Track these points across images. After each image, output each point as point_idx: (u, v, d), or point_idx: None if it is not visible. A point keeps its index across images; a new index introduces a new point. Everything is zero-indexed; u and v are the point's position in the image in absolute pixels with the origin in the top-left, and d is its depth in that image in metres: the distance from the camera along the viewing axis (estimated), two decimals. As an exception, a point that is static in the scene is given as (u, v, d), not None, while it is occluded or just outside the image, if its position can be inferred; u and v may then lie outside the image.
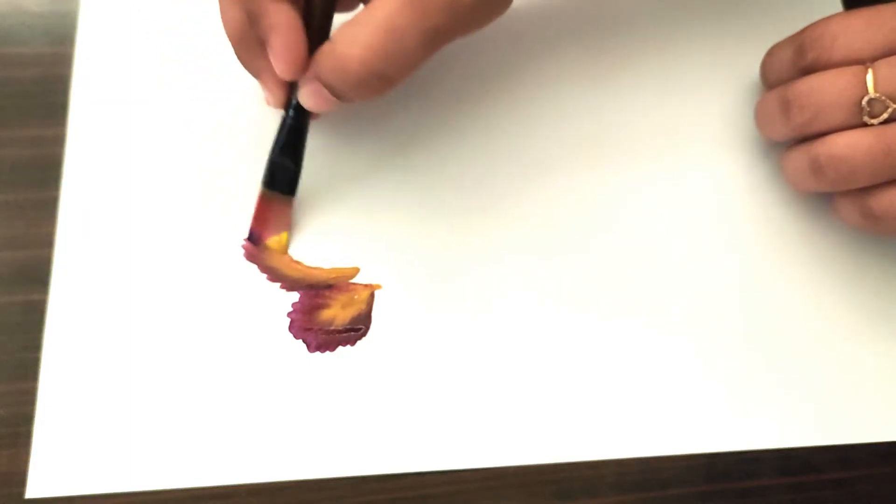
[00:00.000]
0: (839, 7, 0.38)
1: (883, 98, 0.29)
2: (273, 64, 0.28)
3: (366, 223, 0.33)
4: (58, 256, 0.31)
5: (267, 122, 0.34)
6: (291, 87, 0.30)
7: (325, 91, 0.28)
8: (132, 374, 0.30)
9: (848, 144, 0.29)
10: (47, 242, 0.31)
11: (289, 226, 0.32)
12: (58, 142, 0.33)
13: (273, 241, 0.32)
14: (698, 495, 0.31)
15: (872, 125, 0.29)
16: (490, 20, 0.29)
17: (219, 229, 0.32)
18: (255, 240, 0.32)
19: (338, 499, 0.29)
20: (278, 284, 0.32)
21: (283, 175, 0.31)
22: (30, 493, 0.28)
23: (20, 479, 0.28)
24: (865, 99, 0.29)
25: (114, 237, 0.32)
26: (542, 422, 0.31)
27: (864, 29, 0.30)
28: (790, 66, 0.32)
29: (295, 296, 0.31)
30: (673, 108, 0.36)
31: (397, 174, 0.34)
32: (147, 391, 0.30)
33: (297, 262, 0.32)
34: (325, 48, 0.28)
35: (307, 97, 0.29)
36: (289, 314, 0.31)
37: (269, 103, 0.31)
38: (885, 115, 0.29)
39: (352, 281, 0.32)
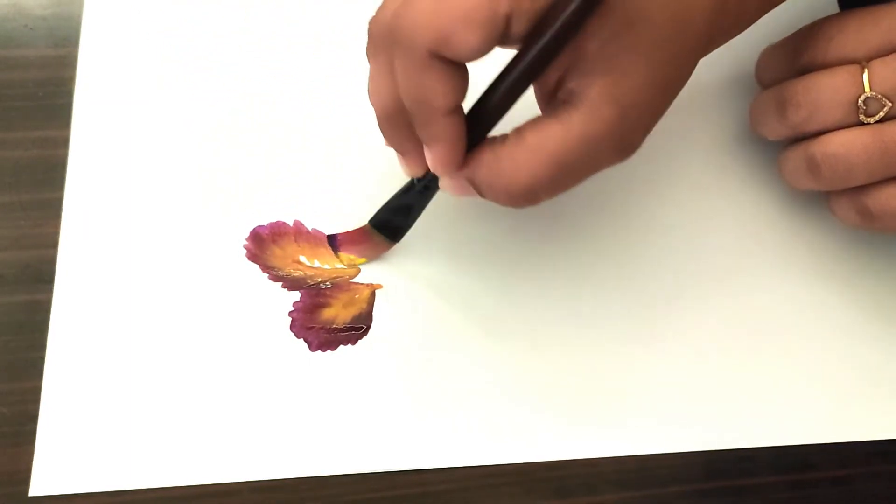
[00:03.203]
0: (836, 7, 0.38)
1: (879, 97, 0.29)
2: (427, 159, 0.26)
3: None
4: (62, 256, 0.31)
5: (267, 122, 0.34)
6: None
7: (472, 189, 0.27)
8: (135, 373, 0.30)
9: (844, 143, 0.30)
10: (51, 243, 0.32)
11: (374, 258, 0.32)
12: (61, 143, 0.33)
13: (350, 257, 0.32)
14: (696, 493, 0.31)
15: (868, 124, 0.29)
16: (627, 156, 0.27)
17: (221, 229, 0.32)
18: (334, 245, 0.32)
19: (339, 496, 0.29)
20: (280, 284, 0.32)
21: (393, 225, 0.31)
22: (33, 491, 0.28)
23: (24, 478, 0.29)
24: (861, 98, 0.29)
25: (117, 237, 0.32)
26: (541, 420, 0.31)
27: (859, 29, 0.30)
28: (786, 65, 0.32)
29: (296, 295, 0.32)
30: (680, 116, 0.36)
31: (398, 174, 0.34)
32: (150, 390, 0.30)
33: (299, 262, 0.32)
34: (488, 159, 0.26)
35: (450, 187, 0.27)
36: (290, 313, 0.31)
37: (408, 175, 0.29)
38: (881, 114, 0.29)
39: (353, 280, 0.32)
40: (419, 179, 0.29)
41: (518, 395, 0.31)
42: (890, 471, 0.32)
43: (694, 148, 0.36)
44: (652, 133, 0.35)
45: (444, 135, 0.25)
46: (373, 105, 0.27)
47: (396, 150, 0.28)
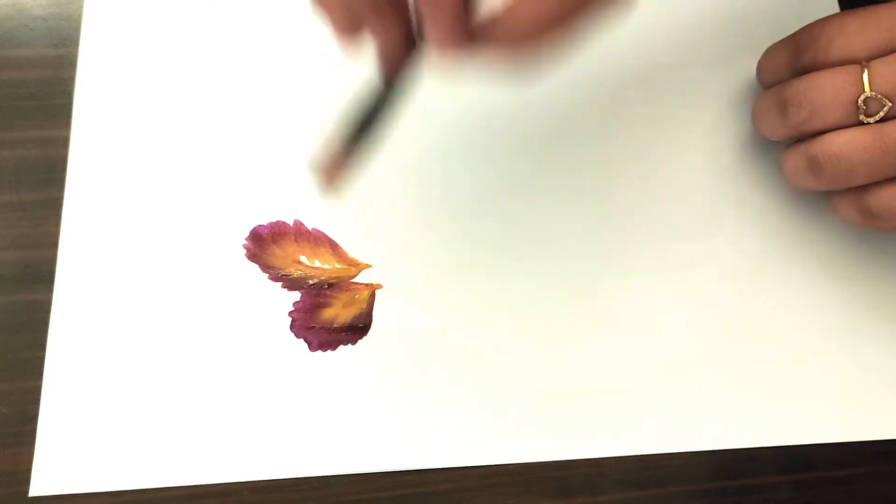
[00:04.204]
0: (836, 7, 0.38)
1: (879, 97, 0.29)
2: (427, 31, 0.24)
3: (366, 223, 0.33)
4: (62, 256, 0.31)
5: (267, 123, 0.34)
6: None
7: (465, 37, 0.23)
8: (135, 373, 0.30)
9: (845, 143, 0.30)
10: (51, 242, 0.32)
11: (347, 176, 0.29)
12: (61, 143, 0.33)
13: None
14: (698, 493, 0.31)
15: (869, 123, 0.29)
16: None
17: (220, 229, 0.32)
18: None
19: (339, 496, 0.29)
20: (280, 284, 0.32)
21: (359, 135, 0.27)
22: (33, 491, 0.28)
23: (24, 478, 0.29)
24: (862, 97, 0.29)
25: (117, 237, 0.32)
26: (543, 420, 0.31)
27: (860, 29, 0.30)
28: (787, 66, 0.32)
29: (296, 295, 0.32)
30: (671, 108, 0.36)
31: (398, 175, 0.34)
32: (150, 390, 0.30)
33: (299, 262, 0.32)
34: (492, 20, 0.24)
35: (440, 35, 0.23)
36: (290, 313, 0.31)
37: (379, 59, 0.26)
38: (881, 114, 0.29)
39: (353, 280, 0.32)
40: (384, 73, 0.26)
41: (519, 395, 0.31)
42: (892, 471, 0.32)
43: (696, 149, 0.36)
44: (654, 134, 0.36)
45: None
46: None
47: (357, 27, 0.24)
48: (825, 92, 0.30)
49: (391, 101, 0.27)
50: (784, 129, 0.32)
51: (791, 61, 0.32)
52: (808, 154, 0.31)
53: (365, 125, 0.28)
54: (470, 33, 0.24)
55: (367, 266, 0.32)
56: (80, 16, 0.35)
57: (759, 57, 0.34)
